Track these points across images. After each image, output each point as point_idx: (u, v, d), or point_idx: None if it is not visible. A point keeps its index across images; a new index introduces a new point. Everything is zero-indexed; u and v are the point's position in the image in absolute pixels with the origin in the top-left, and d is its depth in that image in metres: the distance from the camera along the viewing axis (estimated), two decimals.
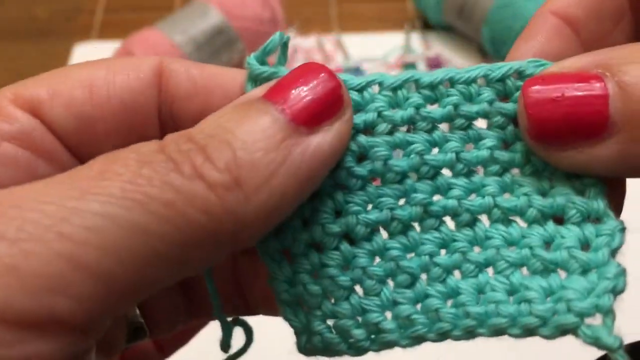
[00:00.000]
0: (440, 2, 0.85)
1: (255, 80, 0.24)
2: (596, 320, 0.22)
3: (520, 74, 0.24)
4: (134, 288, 0.19)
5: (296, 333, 0.24)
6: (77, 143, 0.25)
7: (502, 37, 0.80)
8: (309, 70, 0.23)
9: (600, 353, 0.33)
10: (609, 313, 0.22)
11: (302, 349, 0.24)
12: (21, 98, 0.24)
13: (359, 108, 0.24)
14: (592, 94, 0.22)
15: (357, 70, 0.84)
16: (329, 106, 0.22)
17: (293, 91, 0.22)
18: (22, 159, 0.24)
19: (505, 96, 0.24)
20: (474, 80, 0.24)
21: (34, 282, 0.17)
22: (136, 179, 0.19)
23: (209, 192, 0.20)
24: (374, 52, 0.86)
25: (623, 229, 0.23)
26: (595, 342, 0.21)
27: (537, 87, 0.23)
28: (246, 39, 0.80)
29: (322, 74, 0.23)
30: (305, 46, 0.88)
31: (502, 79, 0.24)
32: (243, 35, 0.80)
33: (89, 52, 0.89)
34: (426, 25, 0.90)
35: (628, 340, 0.33)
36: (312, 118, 0.22)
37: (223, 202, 0.20)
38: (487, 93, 0.24)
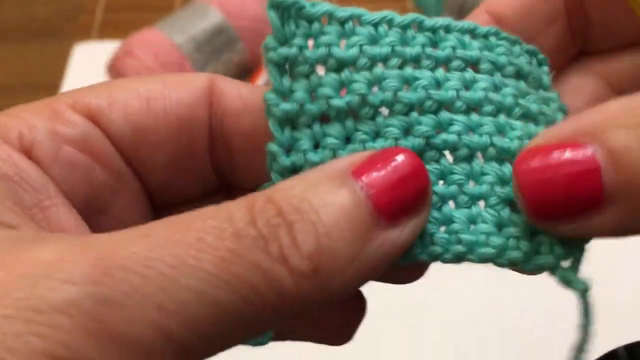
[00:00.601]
0: (440, 1, 0.86)
1: (277, 7, 0.24)
2: (566, 263, 0.24)
3: (497, 34, 0.27)
4: (206, 355, 0.20)
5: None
6: (131, 151, 0.26)
7: None
8: (404, 160, 0.23)
9: (601, 353, 0.34)
10: (580, 258, 0.24)
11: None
12: (80, 104, 0.25)
13: (373, 42, 0.25)
14: (583, 168, 0.21)
15: None
16: (414, 204, 0.23)
17: (384, 178, 0.22)
18: (81, 163, 0.24)
19: (489, 49, 0.27)
20: (467, 31, 0.27)
21: (126, 343, 0.18)
22: (229, 256, 0.19)
23: (289, 277, 0.20)
24: None
25: None
26: (567, 283, 0.24)
27: (528, 168, 0.22)
28: (246, 39, 0.80)
29: (417, 169, 0.23)
30: None
31: (485, 36, 0.27)
32: (243, 35, 0.80)
33: (89, 52, 0.89)
34: None
35: (628, 340, 0.34)
36: (396, 214, 0.22)
37: (298, 289, 0.20)
38: (476, 43, 0.27)
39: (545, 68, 0.28)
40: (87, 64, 0.87)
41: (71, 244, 0.19)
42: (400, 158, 0.23)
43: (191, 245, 0.19)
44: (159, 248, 0.19)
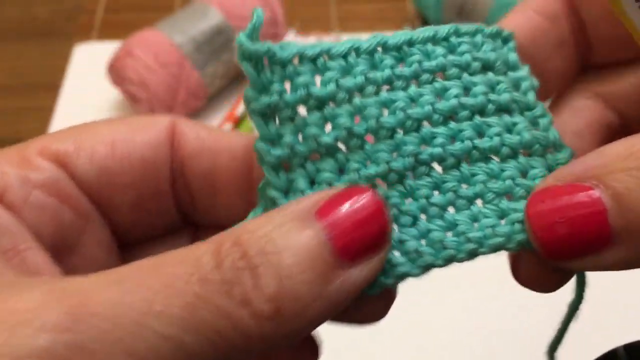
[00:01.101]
0: (439, 1, 0.86)
1: (250, 59, 0.25)
2: None
3: (457, 32, 0.28)
4: None
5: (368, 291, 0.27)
6: (97, 193, 0.27)
7: None
8: (365, 202, 0.23)
9: (600, 352, 0.34)
10: None
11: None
12: (48, 150, 0.26)
13: (346, 73, 0.26)
14: (590, 210, 0.23)
15: None
16: (374, 245, 0.23)
17: (345, 219, 0.23)
18: (49, 206, 0.26)
19: (452, 52, 0.28)
20: (427, 40, 0.27)
21: None
22: (196, 301, 0.20)
23: (251, 320, 0.21)
24: None
25: (575, 154, 0.28)
26: None
27: (539, 211, 0.24)
28: None
29: (376, 209, 0.23)
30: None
31: (446, 38, 0.27)
32: None
33: (89, 52, 0.89)
34: (426, 25, 0.90)
35: (628, 339, 0.34)
36: (357, 254, 0.23)
37: (261, 331, 0.21)
38: (440, 49, 0.27)
39: (511, 44, 0.29)
40: (88, 64, 0.87)
41: (47, 291, 0.20)
42: (362, 200, 0.23)
43: (160, 291, 0.20)
44: (130, 294, 0.20)
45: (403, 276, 0.26)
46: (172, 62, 0.76)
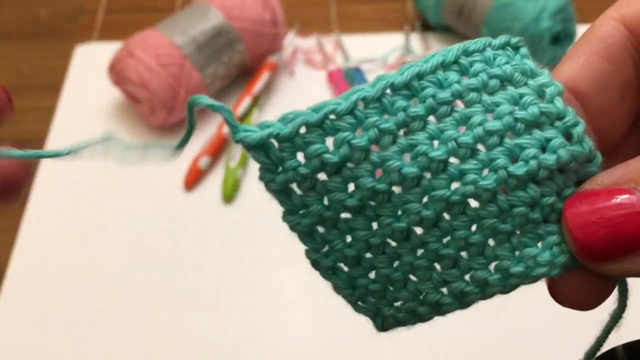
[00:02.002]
0: (439, 3, 0.86)
1: (258, 148, 0.24)
2: None
3: (466, 52, 0.26)
4: None
5: (371, 318, 0.28)
6: None
7: None
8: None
9: (600, 351, 0.34)
10: None
11: (381, 328, 0.28)
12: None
13: (356, 127, 0.25)
14: (629, 212, 0.23)
15: (357, 71, 0.84)
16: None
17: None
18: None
19: (464, 73, 0.26)
20: (436, 69, 0.25)
21: None
22: None
23: None
24: (374, 53, 0.86)
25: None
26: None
27: (577, 211, 0.24)
28: (247, 40, 0.81)
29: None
30: (305, 47, 0.88)
31: (455, 61, 0.26)
32: (244, 35, 0.80)
33: (90, 52, 0.89)
34: (425, 26, 0.91)
35: (627, 339, 0.34)
36: None
37: None
38: (452, 75, 0.25)
39: (523, 50, 0.27)
40: (88, 64, 0.87)
41: None
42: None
43: None
44: None
45: (450, 311, 0.27)
46: (173, 63, 0.76)
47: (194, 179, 0.75)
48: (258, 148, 0.24)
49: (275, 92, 0.84)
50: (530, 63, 0.26)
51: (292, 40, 0.87)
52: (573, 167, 0.25)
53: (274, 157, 0.24)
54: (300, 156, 0.25)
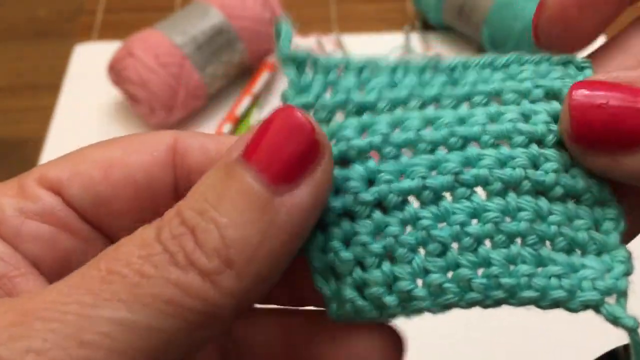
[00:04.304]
0: (440, 2, 0.86)
1: (293, 60, 0.25)
2: (611, 300, 0.24)
3: (519, 61, 0.26)
4: None
5: (327, 300, 0.25)
6: (95, 218, 0.27)
7: (502, 37, 0.80)
8: (282, 120, 0.22)
9: (600, 352, 0.34)
10: (624, 294, 0.24)
11: (334, 315, 0.25)
12: (45, 178, 0.26)
13: (392, 86, 0.25)
14: (635, 106, 0.23)
15: None
16: (306, 158, 0.22)
17: (268, 148, 0.22)
18: (45, 234, 0.26)
19: (512, 78, 0.26)
20: (486, 65, 0.26)
21: None
22: (139, 280, 0.20)
23: (202, 280, 0.21)
24: (374, 53, 0.86)
25: (624, 213, 0.25)
26: (615, 320, 0.23)
27: (583, 92, 0.23)
28: (246, 39, 0.80)
29: (297, 122, 0.22)
30: (305, 46, 0.88)
31: (506, 65, 0.26)
32: (243, 35, 0.80)
33: (89, 52, 0.89)
34: (426, 26, 0.91)
35: (627, 339, 0.34)
36: (291, 175, 0.22)
37: (217, 287, 0.21)
38: (498, 74, 0.26)
39: (588, 72, 0.26)
40: (88, 64, 0.87)
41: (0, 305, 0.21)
42: (277, 120, 0.22)
43: (103, 280, 0.21)
44: (75, 290, 0.20)
45: (419, 311, 0.24)
46: (172, 63, 0.76)
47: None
48: (294, 62, 0.25)
49: (275, 92, 0.84)
50: None
51: (292, 40, 0.87)
52: (588, 201, 0.25)
53: (304, 79, 0.25)
54: (327, 94, 0.25)
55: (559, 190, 0.24)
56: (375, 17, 0.94)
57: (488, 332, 0.61)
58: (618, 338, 0.33)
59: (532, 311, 0.64)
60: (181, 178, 0.27)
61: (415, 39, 0.89)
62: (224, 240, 0.21)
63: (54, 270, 0.26)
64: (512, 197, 0.24)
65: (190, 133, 0.28)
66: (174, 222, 0.22)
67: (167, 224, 0.22)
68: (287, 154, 0.22)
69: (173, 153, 0.27)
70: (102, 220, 0.27)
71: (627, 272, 0.24)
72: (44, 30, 0.95)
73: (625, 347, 0.33)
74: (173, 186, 0.27)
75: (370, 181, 0.24)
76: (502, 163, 0.24)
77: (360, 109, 0.25)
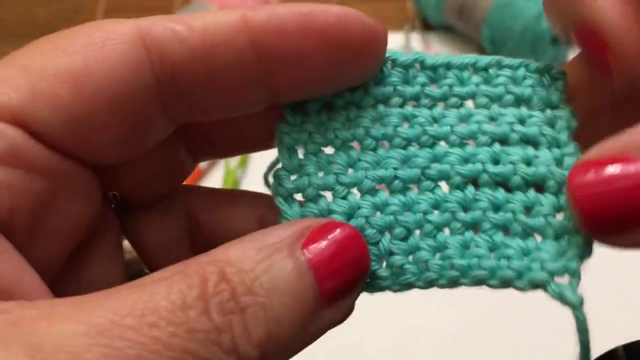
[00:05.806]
0: (440, 2, 0.86)
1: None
2: (564, 280, 0.25)
3: (499, 64, 0.28)
4: None
5: None
6: (69, 146, 0.23)
7: (502, 37, 0.80)
8: (354, 244, 0.23)
9: (600, 352, 0.34)
10: (575, 275, 0.25)
11: None
12: (3, 108, 0.22)
13: (379, 82, 0.27)
14: (635, 182, 0.22)
15: None
16: (355, 287, 0.23)
17: (335, 265, 0.23)
18: (13, 180, 0.22)
19: (487, 82, 0.28)
20: (467, 66, 0.28)
21: None
22: (183, 357, 0.19)
23: None
24: None
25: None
26: (560, 298, 0.24)
27: (582, 182, 0.23)
28: None
29: (363, 252, 0.24)
30: None
31: (485, 68, 0.28)
32: None
33: None
34: (426, 26, 0.91)
35: (627, 339, 0.34)
36: (339, 296, 0.23)
37: None
38: (475, 78, 0.28)
39: (560, 83, 0.28)
40: None
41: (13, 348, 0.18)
42: (345, 237, 0.23)
43: (146, 346, 0.19)
44: (117, 352, 0.18)
45: (382, 289, 0.26)
46: None
47: (193, 178, 0.75)
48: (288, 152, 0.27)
49: None
50: (557, 94, 0.27)
51: None
52: (552, 188, 0.26)
53: (295, 159, 0.27)
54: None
55: (517, 180, 0.26)
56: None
57: (488, 332, 0.61)
58: (618, 338, 0.33)
59: (531, 311, 0.64)
60: (164, 80, 0.24)
61: (415, 38, 0.89)
62: (268, 334, 0.21)
63: (26, 225, 0.23)
64: (470, 190, 0.27)
65: (152, 20, 0.25)
66: (224, 293, 0.21)
67: (214, 292, 0.20)
68: (349, 279, 0.23)
69: (143, 49, 0.24)
70: (78, 146, 0.23)
71: (582, 255, 0.25)
72: (44, 30, 0.95)
73: (625, 347, 0.33)
74: (156, 90, 0.24)
75: (350, 167, 0.27)
76: (465, 160, 0.27)
77: (347, 104, 0.27)
